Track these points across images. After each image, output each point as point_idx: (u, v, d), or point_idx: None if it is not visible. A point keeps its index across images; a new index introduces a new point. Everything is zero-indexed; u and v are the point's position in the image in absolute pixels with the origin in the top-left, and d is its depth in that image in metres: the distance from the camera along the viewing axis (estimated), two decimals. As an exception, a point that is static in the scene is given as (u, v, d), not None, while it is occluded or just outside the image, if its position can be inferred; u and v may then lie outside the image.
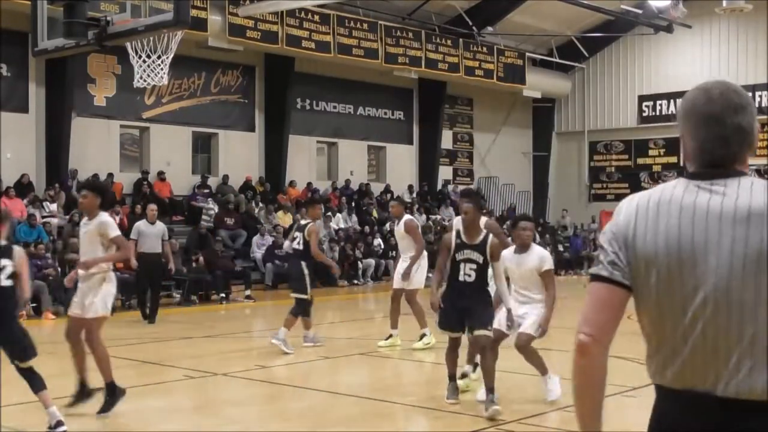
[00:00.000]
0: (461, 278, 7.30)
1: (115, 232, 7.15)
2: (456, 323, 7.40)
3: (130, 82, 11.32)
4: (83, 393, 7.30)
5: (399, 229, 11.27)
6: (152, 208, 14.66)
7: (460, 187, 29.75)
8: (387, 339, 11.26)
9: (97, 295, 7.08)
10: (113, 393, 7.15)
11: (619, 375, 8.08)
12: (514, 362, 7.86)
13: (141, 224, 14.37)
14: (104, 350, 7.14)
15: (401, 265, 11.13)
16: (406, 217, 11.33)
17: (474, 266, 7.28)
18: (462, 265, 7.32)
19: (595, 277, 2.23)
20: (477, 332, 7.23)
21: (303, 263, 11.03)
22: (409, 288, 11.04)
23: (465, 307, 7.29)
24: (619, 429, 7.25)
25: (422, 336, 11.05)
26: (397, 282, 11.22)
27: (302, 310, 11.07)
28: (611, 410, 6.44)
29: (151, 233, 14.20)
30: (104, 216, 7.23)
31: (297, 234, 11.19)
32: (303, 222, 11.54)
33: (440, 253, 7.87)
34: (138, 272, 14.56)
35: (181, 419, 7.55)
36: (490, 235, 7.34)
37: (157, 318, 14.51)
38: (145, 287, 14.69)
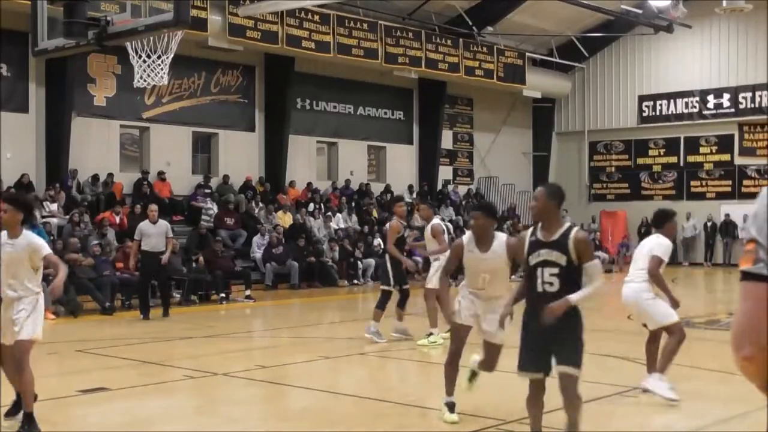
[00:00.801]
0: (540, 288, 5.57)
1: (47, 249, 6.72)
2: (538, 358, 5.66)
3: (130, 82, 11.33)
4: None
5: (426, 231, 11.60)
6: (152, 208, 14.95)
7: (460, 187, 29.80)
8: (447, 332, 11.48)
9: (29, 316, 6.58)
10: (31, 424, 6.56)
11: (619, 375, 8.09)
12: (513, 361, 7.83)
13: (143, 225, 14.69)
14: (31, 376, 6.60)
15: (435, 264, 11.42)
16: (434, 220, 11.59)
17: (555, 270, 5.52)
18: (539, 271, 5.58)
19: (754, 277, 1.98)
20: (561, 369, 5.59)
21: (387, 258, 11.80)
22: (429, 286, 11.38)
23: (549, 335, 5.55)
24: (619, 429, 7.25)
25: (429, 334, 11.32)
26: (428, 282, 11.55)
27: (382, 301, 11.64)
28: (611, 410, 6.42)
29: (154, 232, 14.51)
30: (31, 236, 6.72)
31: None
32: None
33: (449, 258, 7.11)
34: (142, 271, 14.85)
35: (181, 419, 7.54)
36: (575, 229, 5.62)
37: (156, 316, 14.69)
38: (147, 286, 14.99)
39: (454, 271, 7.66)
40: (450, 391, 7.00)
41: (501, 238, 6.72)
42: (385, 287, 11.75)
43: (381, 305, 11.63)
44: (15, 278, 6.56)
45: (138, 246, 14.60)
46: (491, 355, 6.91)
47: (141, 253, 14.63)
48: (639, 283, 7.81)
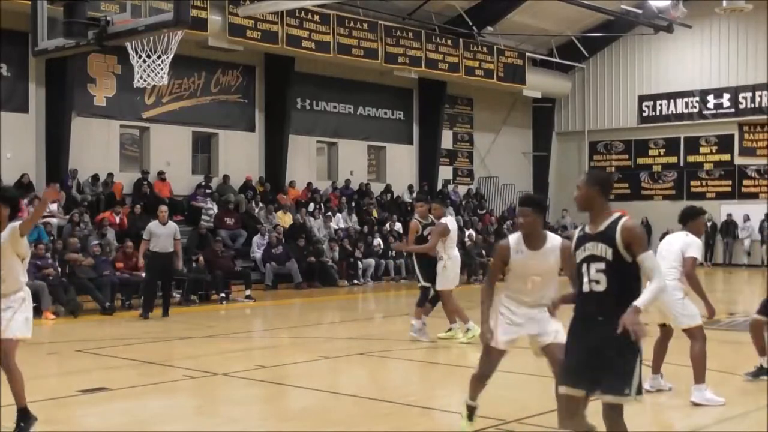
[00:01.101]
0: (586, 288, 4.87)
1: (18, 222, 6.42)
2: (579, 373, 4.88)
3: (130, 82, 11.33)
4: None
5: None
6: (163, 209, 15.09)
7: (460, 187, 29.80)
8: (447, 331, 11.59)
9: (16, 314, 6.37)
10: (26, 419, 6.41)
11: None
12: (513, 360, 7.84)
13: (153, 225, 14.83)
14: (20, 375, 6.40)
15: (439, 265, 11.47)
16: (442, 219, 11.68)
17: (601, 266, 4.80)
18: (585, 267, 4.88)
19: None
20: (607, 398, 4.83)
21: (413, 257, 11.96)
22: (439, 288, 11.48)
23: (594, 346, 4.79)
24: (619, 429, 7.22)
25: (466, 330, 11.33)
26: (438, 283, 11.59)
27: (421, 299, 11.67)
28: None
29: (163, 233, 14.65)
30: (9, 225, 6.37)
31: None
32: None
33: (493, 263, 6.15)
34: (149, 271, 14.98)
35: (181, 419, 7.54)
36: (625, 218, 4.87)
37: (157, 316, 14.78)
38: (155, 286, 15.10)
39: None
40: (474, 396, 6.36)
41: (554, 238, 5.99)
42: (419, 284, 11.80)
43: (420, 302, 11.67)
44: (3, 271, 6.35)
45: (146, 246, 14.71)
46: (558, 356, 5.79)
47: (149, 253, 14.74)
48: (670, 281, 7.52)
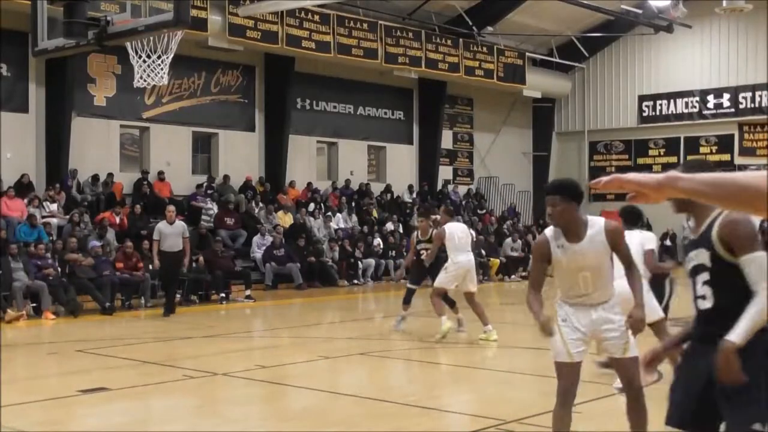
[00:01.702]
0: (696, 305, 3.77)
1: None
2: (692, 410, 3.72)
3: (130, 82, 11.35)
4: None
5: None
6: (170, 209, 15.33)
7: (460, 187, 29.78)
8: (485, 333, 11.64)
9: None
10: None
11: (619, 375, 8.07)
12: (513, 360, 7.85)
13: (161, 225, 15.07)
14: None
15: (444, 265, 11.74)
16: (446, 224, 11.83)
17: (706, 276, 3.69)
18: (692, 283, 3.78)
19: None
20: None
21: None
22: (435, 284, 11.76)
23: (711, 372, 3.59)
24: (619, 429, 7.24)
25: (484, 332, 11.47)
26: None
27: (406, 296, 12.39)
28: (611, 410, 6.42)
29: (172, 233, 14.90)
30: None
31: None
32: None
33: (533, 264, 5.38)
34: (160, 270, 15.22)
35: (181, 419, 7.54)
36: (721, 216, 3.64)
37: (157, 315, 14.86)
38: (167, 283, 15.37)
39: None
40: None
41: (597, 223, 5.11)
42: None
43: (406, 299, 12.30)
44: None
45: (158, 246, 14.93)
46: (628, 373, 5.20)
47: (159, 253, 14.97)
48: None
